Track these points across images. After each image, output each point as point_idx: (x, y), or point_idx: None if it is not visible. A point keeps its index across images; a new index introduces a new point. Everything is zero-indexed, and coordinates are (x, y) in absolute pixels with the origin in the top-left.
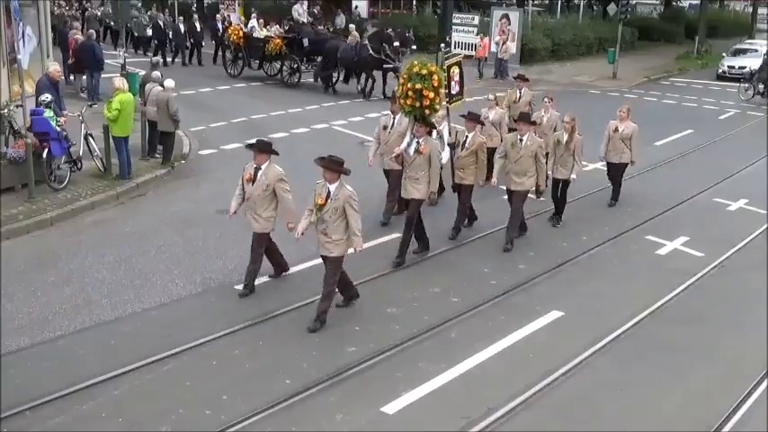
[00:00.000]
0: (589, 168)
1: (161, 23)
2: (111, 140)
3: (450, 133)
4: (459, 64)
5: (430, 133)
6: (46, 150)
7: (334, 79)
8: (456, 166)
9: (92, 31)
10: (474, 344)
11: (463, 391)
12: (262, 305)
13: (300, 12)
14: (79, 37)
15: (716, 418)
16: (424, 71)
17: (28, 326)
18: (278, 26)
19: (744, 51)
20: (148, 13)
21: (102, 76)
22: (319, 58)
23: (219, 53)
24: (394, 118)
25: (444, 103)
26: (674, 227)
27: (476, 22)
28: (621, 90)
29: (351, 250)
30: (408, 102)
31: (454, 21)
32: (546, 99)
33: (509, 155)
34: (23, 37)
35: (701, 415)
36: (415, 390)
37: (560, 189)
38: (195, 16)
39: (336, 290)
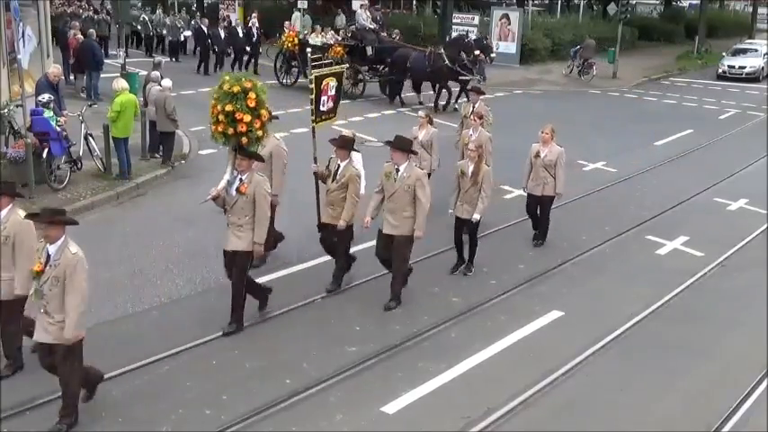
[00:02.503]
0: (588, 168)
1: (204, 29)
2: (111, 140)
3: (314, 161)
4: (338, 76)
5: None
6: (46, 150)
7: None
8: (325, 201)
9: (91, 30)
10: (474, 344)
11: (463, 391)
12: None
13: (364, 17)
14: (80, 37)
15: (716, 418)
16: (236, 89)
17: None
18: (333, 32)
19: (744, 51)
20: (179, 14)
21: (102, 76)
22: (382, 68)
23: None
24: None
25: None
26: (674, 227)
27: (476, 21)
28: (621, 90)
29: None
30: (219, 128)
31: (454, 21)
32: (473, 117)
33: (384, 188)
34: (23, 37)
35: (701, 415)
36: (415, 390)
37: (468, 231)
38: (238, 21)
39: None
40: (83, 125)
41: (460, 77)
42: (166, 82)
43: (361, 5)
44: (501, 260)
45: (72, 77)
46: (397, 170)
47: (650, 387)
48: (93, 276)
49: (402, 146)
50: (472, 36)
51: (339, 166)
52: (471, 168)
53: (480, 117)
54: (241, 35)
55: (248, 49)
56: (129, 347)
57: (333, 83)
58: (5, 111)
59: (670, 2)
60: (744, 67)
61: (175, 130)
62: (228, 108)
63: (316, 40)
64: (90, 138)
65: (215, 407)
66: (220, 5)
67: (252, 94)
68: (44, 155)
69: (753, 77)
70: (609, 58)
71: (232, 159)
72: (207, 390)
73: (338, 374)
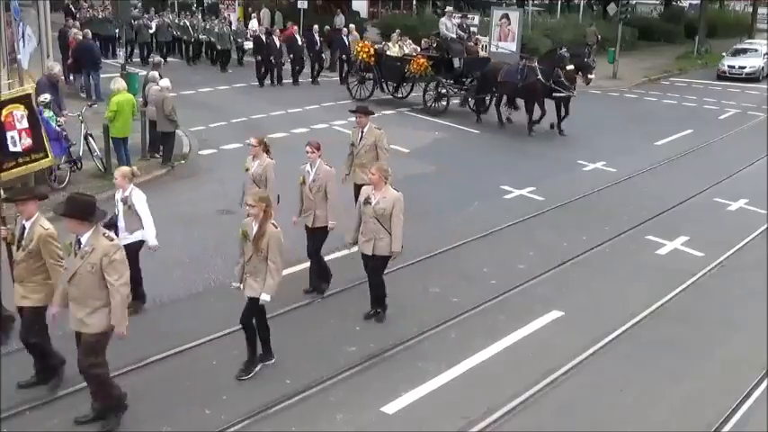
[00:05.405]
0: (588, 168)
1: (263, 38)
2: (110, 140)
3: (2, 222)
4: (24, 101)
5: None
6: None
7: (485, 105)
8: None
9: (87, 30)
10: (474, 344)
11: (463, 391)
12: None
13: (449, 26)
14: (79, 37)
15: (716, 418)
16: None
17: None
18: (410, 41)
19: (744, 51)
20: (219, 19)
21: (103, 76)
22: (469, 81)
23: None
24: None
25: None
26: (674, 227)
27: (476, 21)
28: (621, 90)
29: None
30: None
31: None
32: (310, 147)
33: (66, 265)
34: (23, 37)
35: (702, 415)
36: (415, 390)
37: (254, 314)
38: (295, 27)
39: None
40: (83, 125)
41: (554, 94)
42: (164, 82)
43: (446, 13)
44: (501, 260)
45: (71, 77)
46: (79, 242)
47: (650, 387)
48: None
49: (75, 212)
50: (564, 51)
51: (24, 227)
52: (255, 230)
53: (318, 148)
54: (300, 43)
55: (311, 58)
56: (129, 347)
57: (20, 111)
58: None
59: (670, 2)
60: (744, 67)
61: (175, 131)
62: None
63: (393, 50)
64: (90, 138)
65: (215, 407)
66: (220, 5)
67: None
68: None
69: (753, 77)
70: (609, 58)
71: None
72: (207, 390)
73: (338, 374)
